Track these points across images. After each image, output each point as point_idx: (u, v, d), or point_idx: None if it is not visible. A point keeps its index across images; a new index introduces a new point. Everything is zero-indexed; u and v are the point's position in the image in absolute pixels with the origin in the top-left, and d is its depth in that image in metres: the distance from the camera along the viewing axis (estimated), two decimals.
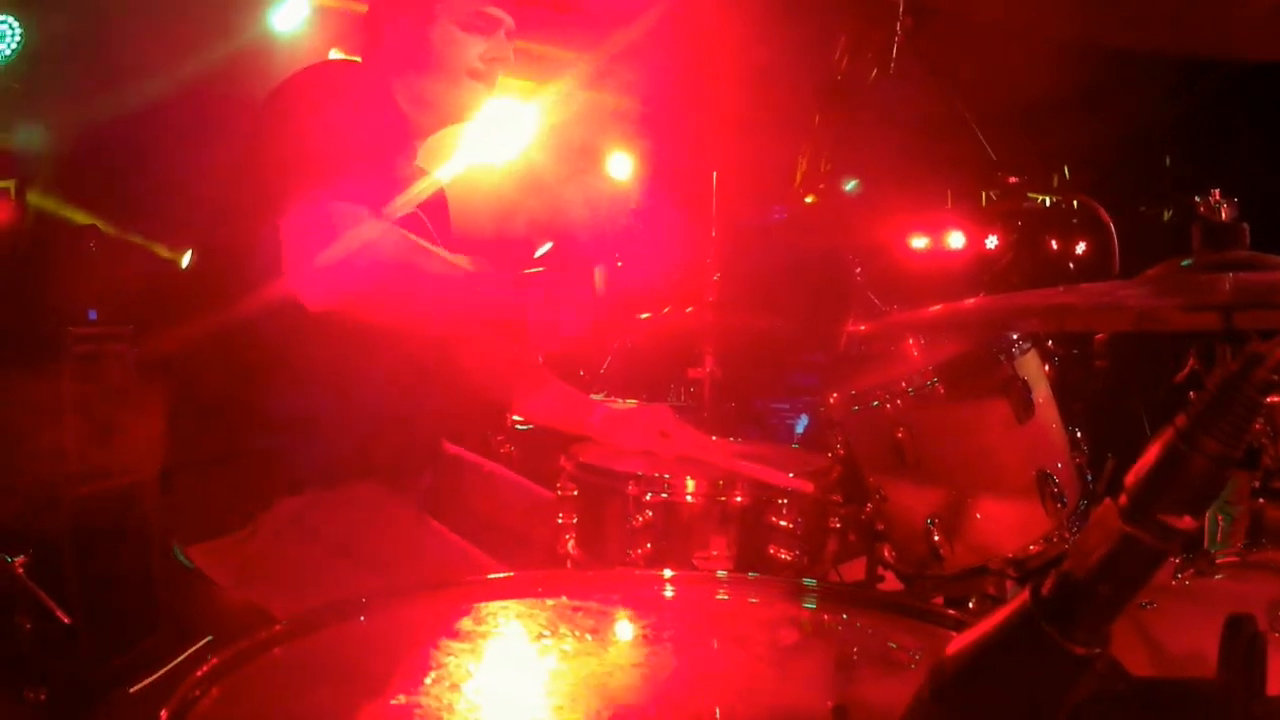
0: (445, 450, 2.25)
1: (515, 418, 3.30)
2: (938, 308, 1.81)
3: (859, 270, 3.63)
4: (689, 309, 3.44)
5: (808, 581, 1.27)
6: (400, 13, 2.03)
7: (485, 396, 2.38)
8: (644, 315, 3.55)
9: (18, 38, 3.22)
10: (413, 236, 1.85)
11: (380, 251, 1.71)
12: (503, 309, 1.88)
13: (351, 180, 1.73)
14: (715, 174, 3.52)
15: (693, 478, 1.81)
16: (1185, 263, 1.43)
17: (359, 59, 2.12)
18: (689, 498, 1.80)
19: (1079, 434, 2.25)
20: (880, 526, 2.32)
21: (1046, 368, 2.21)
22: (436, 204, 2.21)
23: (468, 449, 2.33)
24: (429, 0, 2.00)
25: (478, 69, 2.03)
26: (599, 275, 2.03)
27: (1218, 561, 1.72)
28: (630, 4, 3.38)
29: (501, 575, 1.28)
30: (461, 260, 1.87)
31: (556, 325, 1.90)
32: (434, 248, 1.92)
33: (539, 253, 4.08)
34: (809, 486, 1.79)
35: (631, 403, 2.55)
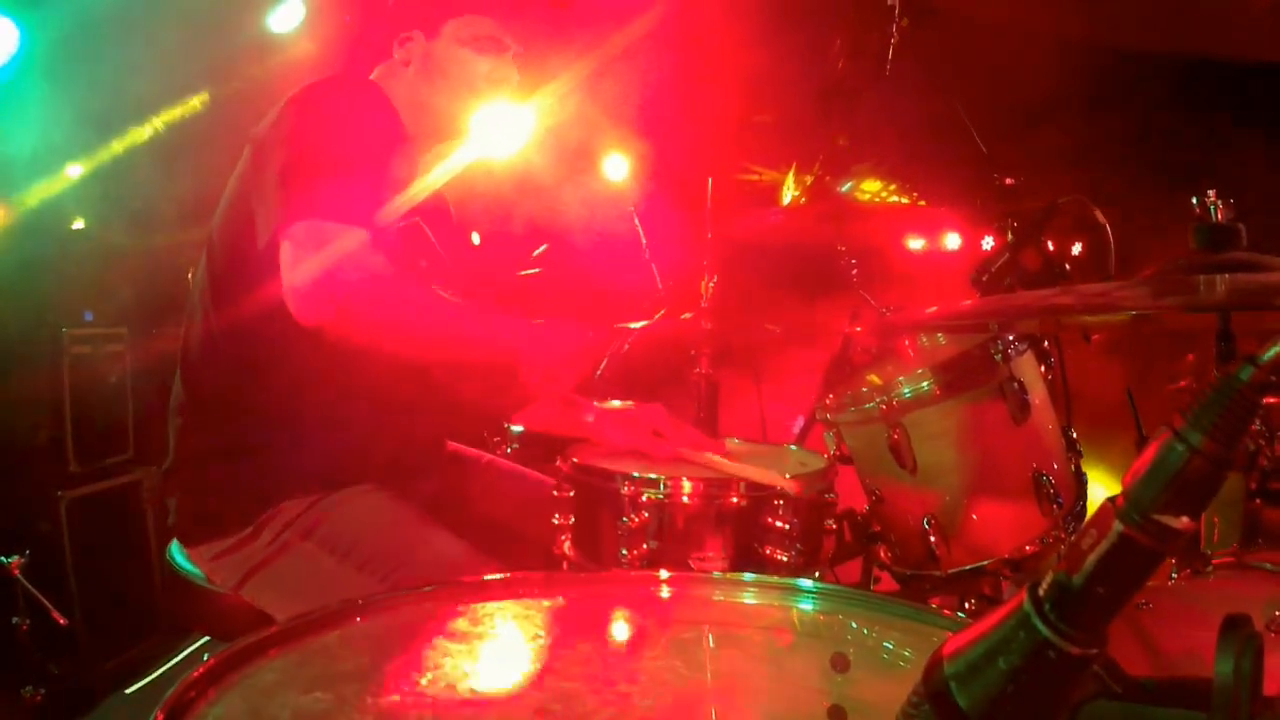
0: (447, 449, 2.25)
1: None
2: (934, 309, 1.82)
3: (855, 271, 3.62)
4: (685, 314, 3.44)
5: (804, 582, 1.26)
6: (409, 25, 2.04)
7: (471, 405, 2.38)
8: (638, 324, 3.55)
9: (16, 39, 3.22)
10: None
11: (369, 271, 1.73)
12: (496, 349, 1.89)
13: (348, 196, 1.75)
14: (710, 179, 3.52)
15: (689, 479, 1.81)
16: (1181, 263, 1.43)
17: (359, 70, 2.13)
18: (685, 499, 1.79)
19: (1075, 435, 2.25)
20: (876, 527, 2.32)
21: (1042, 369, 2.21)
22: (438, 211, 2.21)
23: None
24: (439, 15, 2.02)
25: (480, 88, 2.05)
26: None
27: (1214, 562, 1.73)
28: (628, 6, 3.38)
29: (498, 576, 1.28)
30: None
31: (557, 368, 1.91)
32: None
33: (535, 253, 4.08)
34: (796, 487, 1.78)
35: (628, 404, 2.54)
